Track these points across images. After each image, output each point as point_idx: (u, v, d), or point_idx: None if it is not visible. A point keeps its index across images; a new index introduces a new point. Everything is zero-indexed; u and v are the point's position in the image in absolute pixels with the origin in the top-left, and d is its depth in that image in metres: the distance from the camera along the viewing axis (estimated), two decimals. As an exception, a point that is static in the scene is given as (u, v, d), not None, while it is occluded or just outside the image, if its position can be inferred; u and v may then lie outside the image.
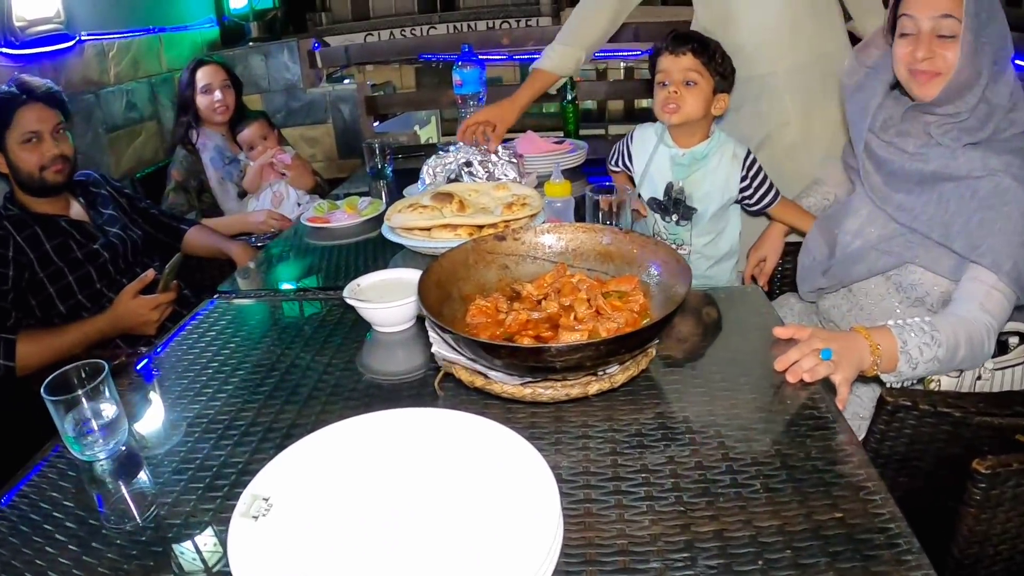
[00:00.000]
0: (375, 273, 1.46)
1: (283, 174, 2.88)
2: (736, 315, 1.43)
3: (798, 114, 2.09)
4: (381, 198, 2.24)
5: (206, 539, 0.91)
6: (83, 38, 2.88)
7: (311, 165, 3.05)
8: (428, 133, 5.91)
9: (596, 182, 1.99)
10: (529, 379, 1.08)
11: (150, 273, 2.00)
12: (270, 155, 2.85)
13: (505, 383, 1.08)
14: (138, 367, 1.34)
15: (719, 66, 1.77)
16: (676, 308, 1.06)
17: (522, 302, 1.25)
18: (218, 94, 2.84)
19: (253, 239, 2.70)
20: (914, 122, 1.48)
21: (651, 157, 1.87)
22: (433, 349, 1.13)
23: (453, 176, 2.05)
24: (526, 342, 1.12)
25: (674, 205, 1.82)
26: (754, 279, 1.96)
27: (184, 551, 0.89)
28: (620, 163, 2.02)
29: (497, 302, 1.23)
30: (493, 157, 2.08)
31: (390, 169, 2.60)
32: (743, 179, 1.81)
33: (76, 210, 2.16)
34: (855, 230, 1.59)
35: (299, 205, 2.90)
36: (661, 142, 1.86)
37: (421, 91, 4.99)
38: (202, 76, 2.83)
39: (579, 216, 1.73)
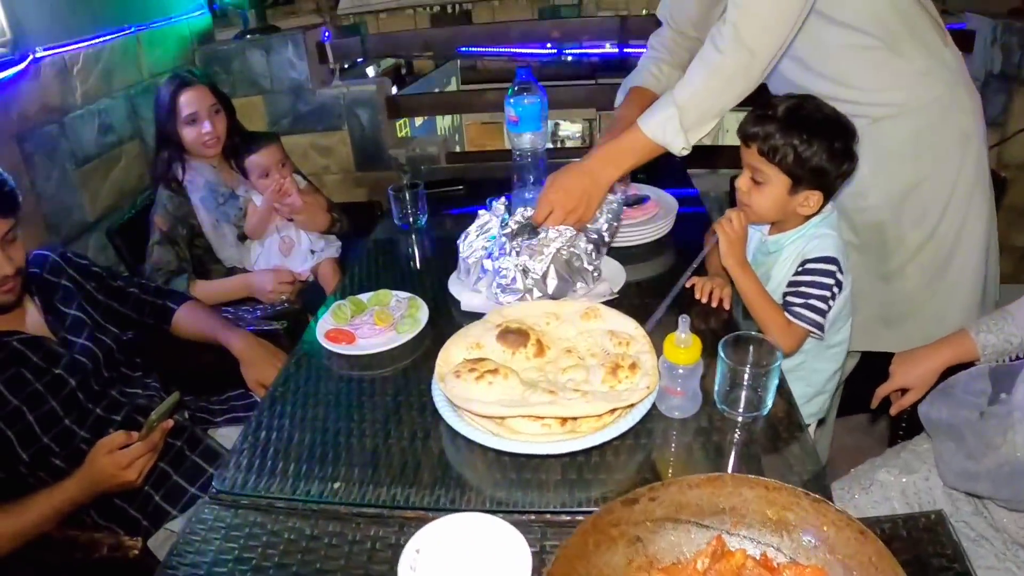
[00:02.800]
0: (440, 525, 0.97)
1: (291, 219, 2.39)
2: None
3: (877, 181, 1.65)
4: (414, 254, 1.75)
5: None
6: (37, 55, 2.34)
7: (324, 198, 2.53)
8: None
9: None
10: None
11: (131, 434, 1.54)
12: (275, 195, 2.34)
13: None
14: None
15: (795, 161, 1.40)
16: None
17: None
18: (206, 125, 2.32)
19: (259, 311, 2.23)
20: None
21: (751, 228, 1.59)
22: None
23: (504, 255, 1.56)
24: None
25: None
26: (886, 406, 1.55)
27: None
28: None
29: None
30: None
31: (424, 218, 2.11)
32: (789, 284, 1.50)
33: (32, 318, 1.69)
34: None
35: (312, 253, 2.42)
36: None
37: (454, 93, 4.38)
38: (185, 103, 2.30)
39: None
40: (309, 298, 2.36)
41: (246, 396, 1.95)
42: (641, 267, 1.78)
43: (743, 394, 1.18)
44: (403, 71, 5.06)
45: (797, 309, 1.42)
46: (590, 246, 1.58)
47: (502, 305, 1.52)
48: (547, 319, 1.38)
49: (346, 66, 3.55)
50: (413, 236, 2.09)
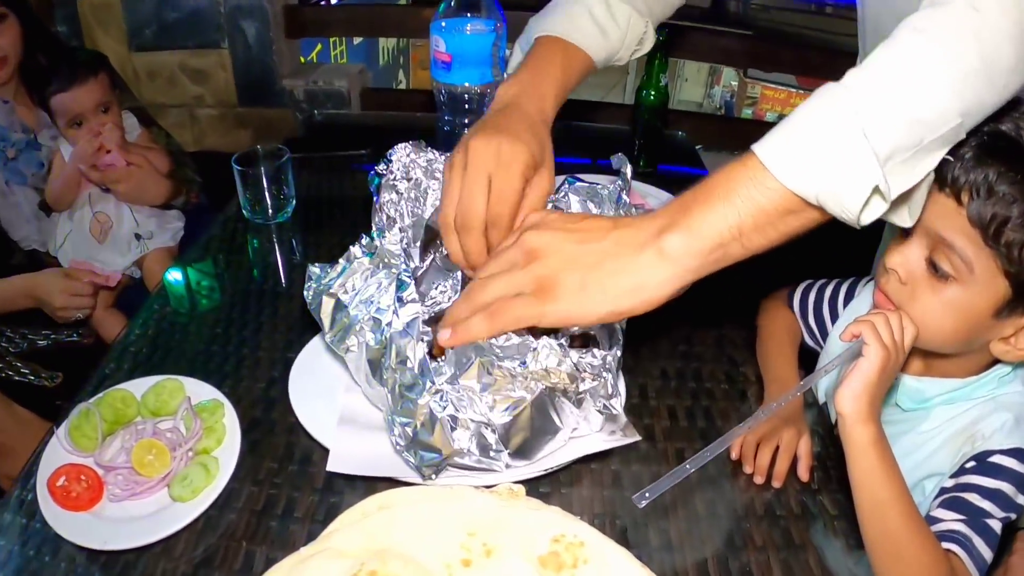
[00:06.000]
0: None
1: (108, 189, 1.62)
2: None
3: None
4: (262, 279, 1.02)
5: None
6: None
7: (167, 155, 1.72)
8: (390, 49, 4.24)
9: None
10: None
11: None
12: (89, 149, 1.56)
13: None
14: None
15: None
16: None
17: None
18: (-23, 37, 1.53)
19: (39, 339, 1.50)
20: None
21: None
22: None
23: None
24: None
25: None
26: None
27: None
28: (808, 316, 1.02)
29: None
30: None
31: (290, 208, 1.36)
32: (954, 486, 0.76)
33: None
34: None
35: (139, 239, 1.65)
36: None
37: (383, 7, 3.41)
38: (-61, 3, 1.50)
39: None
40: (130, 303, 1.62)
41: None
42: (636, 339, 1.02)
43: None
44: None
45: (965, 535, 0.70)
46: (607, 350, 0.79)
47: (409, 465, 0.77)
48: (464, 553, 0.65)
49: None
50: (268, 241, 1.33)
